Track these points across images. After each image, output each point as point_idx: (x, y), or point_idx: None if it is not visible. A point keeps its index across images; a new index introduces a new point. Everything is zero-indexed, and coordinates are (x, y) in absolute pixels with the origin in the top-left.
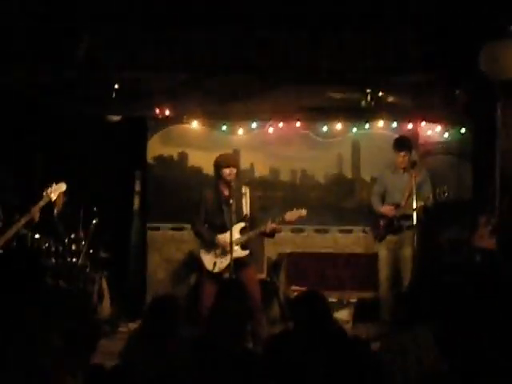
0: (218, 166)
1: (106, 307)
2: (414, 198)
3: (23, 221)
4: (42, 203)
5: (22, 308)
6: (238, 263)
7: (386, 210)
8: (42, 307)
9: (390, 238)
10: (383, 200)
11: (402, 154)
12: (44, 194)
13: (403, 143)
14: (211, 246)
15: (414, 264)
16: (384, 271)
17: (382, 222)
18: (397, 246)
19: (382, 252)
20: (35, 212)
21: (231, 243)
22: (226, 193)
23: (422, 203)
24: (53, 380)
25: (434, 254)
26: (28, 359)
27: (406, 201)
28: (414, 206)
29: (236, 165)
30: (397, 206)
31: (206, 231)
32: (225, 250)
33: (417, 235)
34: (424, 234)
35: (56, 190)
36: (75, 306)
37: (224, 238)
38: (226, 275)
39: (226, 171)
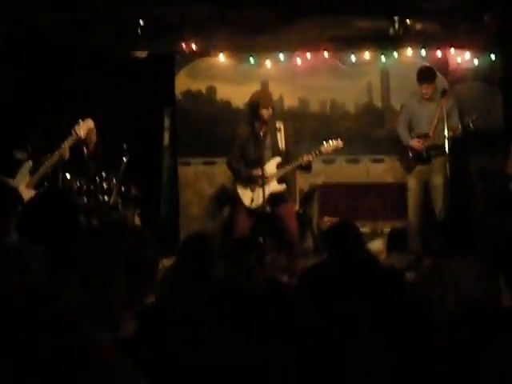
0: (256, 105)
1: None
2: (446, 126)
3: (54, 159)
4: (70, 141)
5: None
6: (275, 197)
7: (415, 143)
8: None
9: (419, 167)
10: (410, 129)
11: (425, 85)
12: (72, 131)
13: (425, 74)
14: (248, 181)
15: (445, 192)
16: (413, 200)
17: (410, 153)
18: (426, 175)
19: (412, 181)
20: (65, 150)
21: (263, 177)
22: (262, 129)
23: (451, 133)
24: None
25: (466, 182)
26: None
27: (435, 130)
28: (447, 134)
29: (273, 104)
30: (425, 136)
31: (242, 167)
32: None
33: (449, 162)
34: (454, 162)
35: (83, 127)
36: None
37: (259, 172)
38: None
39: (264, 111)
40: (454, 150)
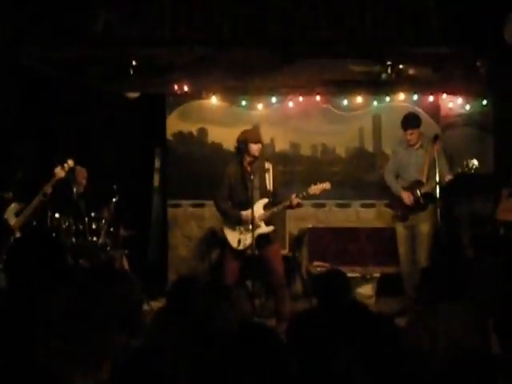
0: (246, 141)
1: None
2: (437, 172)
3: (37, 201)
4: (52, 182)
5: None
6: (262, 239)
7: (405, 195)
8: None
9: None
10: (397, 177)
11: (409, 132)
12: (54, 171)
13: (409, 120)
14: (235, 222)
15: (432, 240)
16: (403, 247)
17: (403, 203)
18: (413, 222)
19: (399, 229)
20: (47, 191)
21: (253, 219)
22: (250, 169)
23: (443, 179)
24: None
25: (456, 228)
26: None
27: (428, 176)
28: (438, 180)
29: (262, 140)
30: (418, 182)
31: (229, 208)
32: (249, 227)
33: (440, 208)
34: (444, 209)
35: (64, 168)
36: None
37: (248, 214)
38: (249, 251)
39: (254, 147)
40: (444, 197)
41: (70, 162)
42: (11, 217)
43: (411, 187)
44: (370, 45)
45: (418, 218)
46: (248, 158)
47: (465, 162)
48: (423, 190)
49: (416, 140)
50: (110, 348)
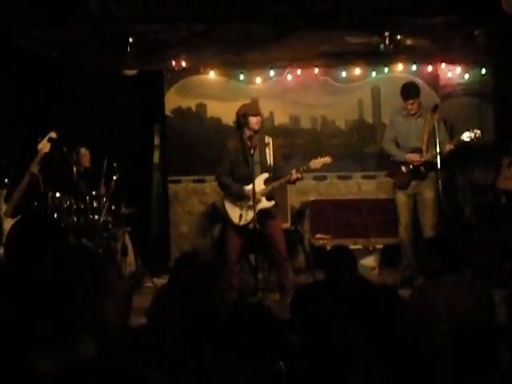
0: (245, 114)
1: (130, 263)
2: (437, 141)
3: (24, 183)
4: (37, 158)
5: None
6: (263, 214)
7: (411, 157)
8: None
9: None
10: (397, 145)
11: (410, 101)
12: (38, 148)
13: (409, 90)
14: (238, 197)
15: (435, 207)
16: (404, 216)
17: (404, 169)
18: (416, 190)
19: (401, 197)
20: (33, 167)
21: (254, 194)
22: (250, 143)
23: (442, 147)
24: None
25: (457, 198)
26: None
27: (427, 145)
28: (438, 149)
29: (261, 113)
30: (419, 151)
31: (232, 183)
32: (250, 202)
33: (441, 178)
34: (445, 177)
35: (46, 143)
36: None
37: (250, 189)
38: (251, 226)
39: (253, 120)
40: (444, 166)
41: (53, 134)
42: (1, 204)
43: (416, 152)
44: (367, 16)
45: (420, 185)
46: (248, 132)
47: (470, 131)
48: (424, 158)
49: (416, 109)
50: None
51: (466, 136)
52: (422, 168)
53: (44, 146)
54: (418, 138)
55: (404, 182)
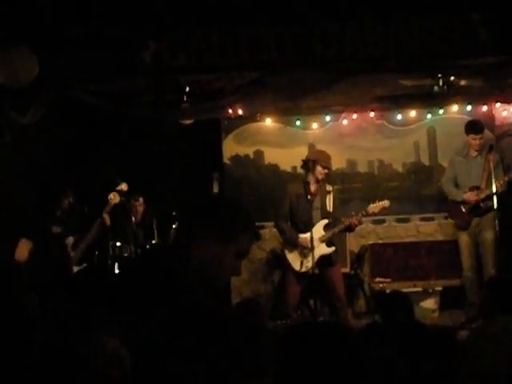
0: (315, 161)
1: None
2: (493, 180)
3: (94, 232)
4: (107, 209)
5: None
6: (323, 260)
7: (469, 196)
8: None
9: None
10: (456, 186)
11: (477, 136)
12: (108, 198)
13: (476, 126)
14: (292, 244)
15: (496, 247)
16: (466, 255)
17: (464, 209)
18: (477, 229)
19: (463, 237)
20: (104, 218)
21: (312, 240)
22: (313, 189)
23: (503, 184)
24: None
25: None
26: None
27: (486, 183)
28: (494, 189)
29: (330, 167)
30: (477, 188)
31: (288, 229)
32: (309, 249)
33: (498, 218)
34: (505, 216)
35: (117, 192)
36: None
37: (306, 237)
38: (312, 272)
39: (320, 169)
40: (505, 203)
41: (124, 186)
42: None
43: (473, 190)
44: (419, 59)
45: (481, 225)
46: (312, 179)
47: None
48: (483, 195)
49: (480, 146)
50: None
51: None
52: (482, 205)
53: (114, 197)
54: (477, 177)
55: (464, 222)
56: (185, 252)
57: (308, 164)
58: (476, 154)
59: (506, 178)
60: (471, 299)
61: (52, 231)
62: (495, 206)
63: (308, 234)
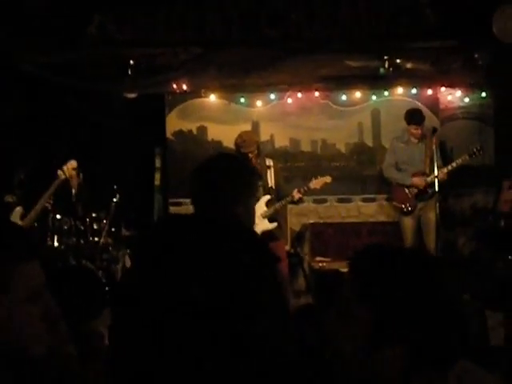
0: (240, 147)
1: None
2: (436, 164)
3: (42, 203)
4: (57, 182)
5: None
6: (266, 236)
7: (417, 180)
8: None
9: None
10: (399, 170)
11: (415, 127)
12: (58, 172)
13: (414, 117)
14: None
15: (437, 228)
16: (410, 239)
17: (410, 194)
18: (421, 212)
19: (406, 221)
20: (52, 191)
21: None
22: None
23: (445, 170)
24: None
25: (456, 220)
26: None
27: (429, 168)
28: (436, 173)
29: (256, 146)
30: (424, 174)
31: None
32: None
33: (439, 201)
34: (444, 200)
35: (68, 168)
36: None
37: None
38: None
39: (248, 153)
40: (444, 190)
41: (73, 163)
42: (17, 221)
43: (419, 175)
44: (366, 40)
45: (425, 207)
46: (246, 160)
47: (471, 148)
48: (430, 180)
49: (420, 136)
50: None
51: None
52: (429, 190)
53: (67, 172)
54: (420, 161)
55: (410, 206)
56: (229, 210)
57: (237, 148)
58: (417, 140)
59: (450, 167)
60: None
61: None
62: (436, 189)
63: (266, 197)
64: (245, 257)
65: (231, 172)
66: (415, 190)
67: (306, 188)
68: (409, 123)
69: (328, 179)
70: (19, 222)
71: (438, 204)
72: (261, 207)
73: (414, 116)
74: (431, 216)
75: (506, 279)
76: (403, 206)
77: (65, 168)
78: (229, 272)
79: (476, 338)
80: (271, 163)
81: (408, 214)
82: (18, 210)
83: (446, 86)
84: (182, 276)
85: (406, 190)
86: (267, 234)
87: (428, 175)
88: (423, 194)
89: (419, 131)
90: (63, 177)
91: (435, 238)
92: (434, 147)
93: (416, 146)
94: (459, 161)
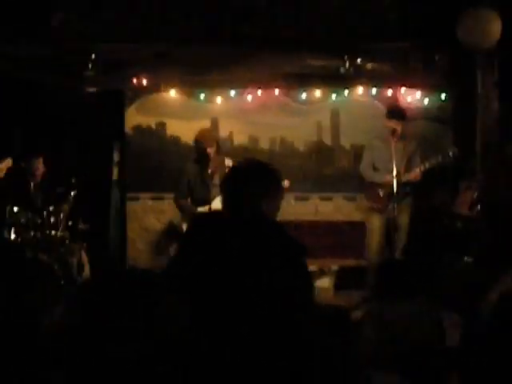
0: (200, 143)
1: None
2: (410, 166)
3: None
4: None
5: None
6: None
7: (389, 178)
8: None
9: None
10: (374, 169)
11: (398, 122)
12: None
13: (395, 111)
14: None
15: (408, 232)
16: (377, 239)
17: (381, 193)
18: (392, 214)
19: (375, 221)
20: None
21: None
22: (208, 166)
23: (418, 170)
24: None
25: (425, 221)
26: None
27: (405, 168)
28: (413, 176)
29: (215, 142)
30: (397, 173)
31: (186, 205)
32: None
33: (412, 204)
34: (417, 203)
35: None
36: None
37: (205, 210)
38: None
39: (210, 150)
40: (418, 189)
41: (9, 163)
42: None
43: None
44: (328, 40)
45: (397, 209)
46: (205, 158)
47: (450, 152)
48: (401, 180)
49: (399, 134)
50: None
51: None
52: (401, 190)
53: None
54: (397, 162)
55: (381, 206)
56: (259, 208)
57: (197, 146)
58: (396, 139)
59: (422, 168)
60: (372, 283)
61: None
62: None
63: (206, 207)
64: (284, 249)
65: (261, 176)
66: (388, 190)
67: None
68: (388, 117)
69: (286, 184)
70: None
71: (410, 207)
72: (218, 206)
73: (393, 111)
74: (403, 220)
75: (462, 280)
76: (374, 204)
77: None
78: (272, 261)
79: (431, 338)
80: (230, 163)
81: (378, 212)
82: None
83: (405, 87)
84: (240, 266)
85: (379, 189)
86: None
87: (402, 175)
88: (394, 193)
89: (399, 128)
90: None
91: (404, 241)
92: (410, 148)
93: (395, 144)
94: (433, 161)
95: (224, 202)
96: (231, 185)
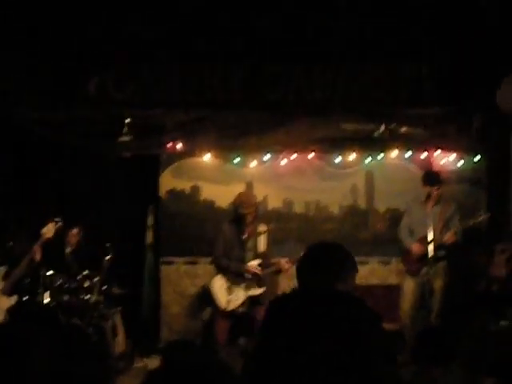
0: (239, 207)
1: (120, 343)
2: (446, 230)
3: (25, 263)
4: (39, 243)
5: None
6: (252, 300)
7: (416, 247)
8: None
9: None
10: (410, 232)
11: (430, 188)
12: (42, 232)
13: (430, 177)
14: (238, 274)
15: (443, 296)
16: (409, 303)
17: (414, 257)
18: (425, 278)
19: (409, 283)
20: (35, 252)
21: (249, 271)
22: (244, 230)
23: (455, 235)
24: None
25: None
26: None
27: (440, 232)
28: (447, 238)
29: (256, 207)
30: (424, 239)
31: (231, 262)
32: (239, 287)
33: (447, 267)
34: (453, 266)
35: (50, 228)
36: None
37: (252, 264)
38: (240, 311)
39: (246, 214)
40: (456, 253)
41: (59, 222)
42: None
43: (422, 241)
44: (364, 106)
45: (430, 273)
46: (242, 222)
47: (477, 215)
48: (430, 246)
49: (437, 196)
50: None
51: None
52: (431, 254)
53: (48, 231)
54: (432, 226)
55: (414, 269)
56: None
57: (235, 208)
58: (432, 203)
59: (455, 229)
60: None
61: None
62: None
63: (252, 263)
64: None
65: (338, 258)
66: (418, 255)
67: (296, 258)
68: (423, 184)
69: (263, 228)
70: (1, 283)
71: (446, 270)
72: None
73: (428, 177)
74: (438, 284)
75: (498, 343)
76: (407, 267)
77: (46, 228)
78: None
79: None
80: (265, 229)
81: (412, 275)
82: (1, 269)
83: (440, 150)
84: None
85: (412, 253)
86: (254, 298)
87: (432, 240)
88: (425, 258)
89: (434, 193)
90: (47, 235)
91: (439, 306)
92: (446, 213)
93: (431, 209)
94: (467, 224)
95: (301, 286)
96: (312, 266)
